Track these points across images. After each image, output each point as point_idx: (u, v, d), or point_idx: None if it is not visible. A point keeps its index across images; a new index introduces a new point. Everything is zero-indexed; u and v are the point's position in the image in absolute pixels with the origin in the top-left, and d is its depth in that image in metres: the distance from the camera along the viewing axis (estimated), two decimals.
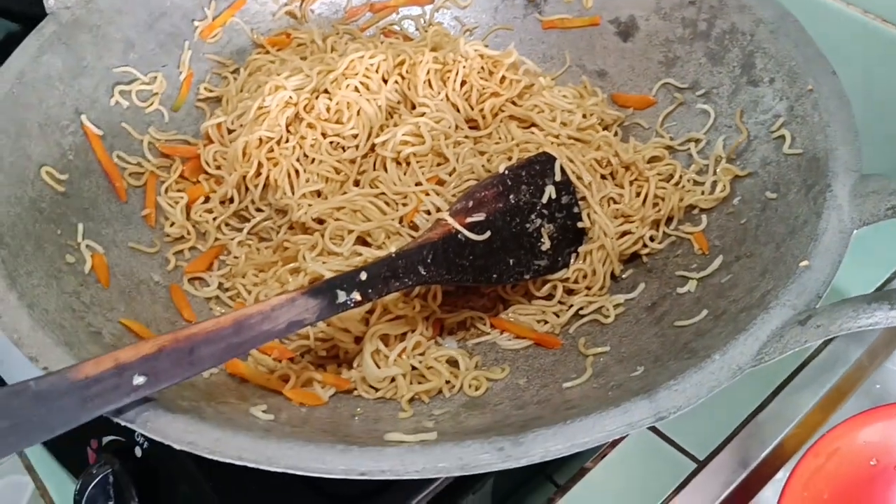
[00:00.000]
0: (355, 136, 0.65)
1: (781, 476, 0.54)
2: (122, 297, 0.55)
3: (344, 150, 0.65)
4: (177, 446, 0.40)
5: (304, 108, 0.65)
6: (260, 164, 0.64)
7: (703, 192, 0.61)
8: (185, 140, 0.69)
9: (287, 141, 0.64)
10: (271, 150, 0.64)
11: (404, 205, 0.61)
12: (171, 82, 0.70)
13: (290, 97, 0.64)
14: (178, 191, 0.65)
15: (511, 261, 0.57)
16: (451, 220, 0.55)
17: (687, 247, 0.59)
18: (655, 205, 0.62)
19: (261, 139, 0.64)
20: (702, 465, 0.55)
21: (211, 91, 0.71)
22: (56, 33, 0.64)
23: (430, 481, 0.55)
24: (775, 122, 0.59)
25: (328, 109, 0.65)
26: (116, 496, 0.61)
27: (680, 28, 0.69)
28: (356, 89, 0.66)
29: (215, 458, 0.40)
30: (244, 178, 0.64)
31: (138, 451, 0.62)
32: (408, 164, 0.63)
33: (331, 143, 0.65)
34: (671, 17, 0.70)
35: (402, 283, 0.51)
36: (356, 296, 0.49)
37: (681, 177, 0.63)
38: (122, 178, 0.63)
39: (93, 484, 0.60)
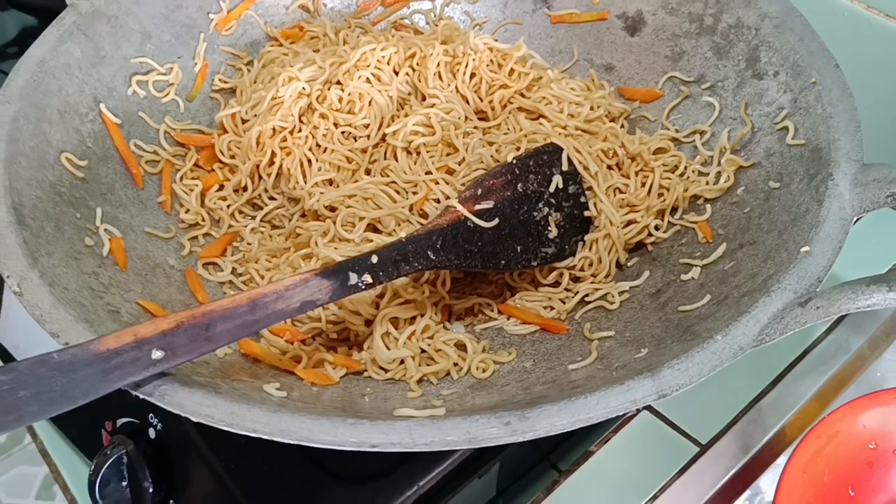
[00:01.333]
0: (367, 126, 0.66)
1: (781, 461, 0.55)
2: (139, 280, 0.56)
3: (355, 140, 0.66)
4: (194, 418, 0.42)
5: (317, 98, 0.66)
6: (273, 154, 0.65)
7: (707, 183, 0.63)
8: (200, 130, 0.70)
9: (300, 131, 0.66)
10: (284, 140, 0.65)
11: (414, 193, 0.62)
12: (187, 73, 0.71)
13: (304, 88, 0.66)
14: (193, 179, 0.66)
15: (519, 248, 0.58)
16: (459, 207, 0.57)
17: (691, 236, 0.61)
18: (660, 195, 0.63)
19: (274, 129, 0.65)
20: (704, 448, 0.56)
21: (225, 82, 0.73)
22: (76, 23, 0.65)
23: (436, 464, 0.56)
24: (779, 114, 0.60)
25: (340, 100, 0.66)
26: (130, 477, 0.63)
27: (686, 23, 0.70)
28: (368, 81, 0.67)
29: (232, 430, 0.41)
30: (258, 166, 0.65)
31: (152, 433, 0.63)
32: (418, 153, 0.64)
33: (343, 132, 0.66)
34: (678, 12, 0.71)
35: (412, 266, 0.53)
36: (367, 278, 0.50)
37: (686, 168, 0.65)
38: (139, 165, 0.64)
39: (107, 465, 0.62)
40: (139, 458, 0.62)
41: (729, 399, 0.59)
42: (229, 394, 0.44)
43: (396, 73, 0.69)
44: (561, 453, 0.69)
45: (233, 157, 0.67)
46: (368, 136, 0.66)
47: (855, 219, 0.50)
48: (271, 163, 0.65)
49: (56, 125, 0.60)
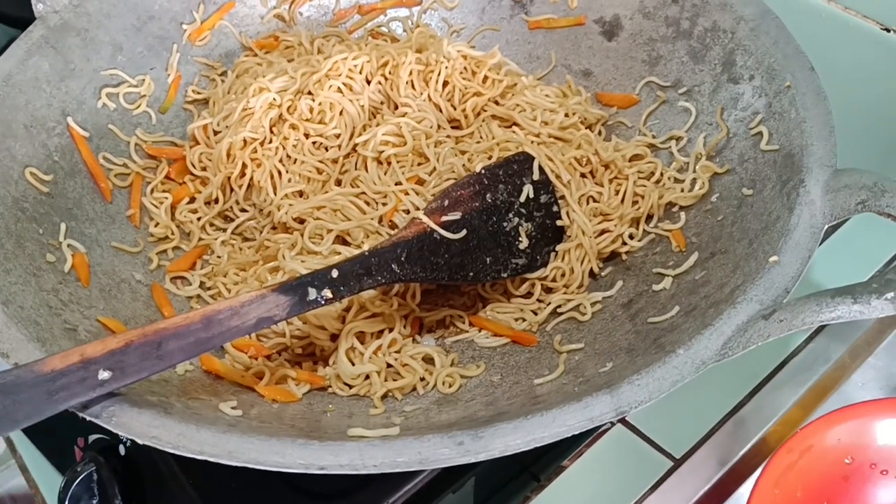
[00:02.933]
0: (337, 136, 0.65)
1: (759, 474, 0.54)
2: (102, 296, 0.55)
3: (326, 150, 0.65)
4: (140, 440, 0.41)
5: (287, 109, 0.65)
6: (244, 165, 0.64)
7: (682, 190, 0.61)
8: (173, 142, 0.69)
9: (270, 142, 0.65)
10: (255, 151, 0.64)
11: (384, 204, 0.61)
12: (160, 85, 0.71)
13: (274, 99, 0.65)
14: (164, 191, 0.66)
15: (488, 259, 0.57)
16: (425, 219, 0.56)
17: (665, 244, 0.59)
18: (635, 202, 0.62)
19: (245, 140, 0.64)
20: (679, 462, 0.55)
21: (199, 93, 0.72)
22: (44, 37, 0.65)
23: (409, 479, 0.55)
24: (754, 119, 0.59)
25: (311, 110, 0.65)
26: (100, 494, 0.62)
27: (663, 27, 0.69)
28: (339, 90, 0.66)
29: (178, 452, 0.41)
30: (229, 178, 0.65)
31: (122, 450, 0.62)
32: (389, 164, 0.63)
33: (313, 143, 0.65)
34: (654, 16, 0.70)
35: (375, 280, 0.52)
36: (327, 293, 0.49)
37: (661, 174, 0.63)
38: (108, 178, 0.64)
39: (77, 481, 0.61)
40: (109, 475, 0.61)
41: (705, 411, 0.57)
42: (180, 414, 0.43)
43: (368, 82, 0.68)
44: (543, 465, 0.67)
45: (204, 168, 0.67)
46: (339, 147, 0.65)
47: (826, 226, 0.49)
48: (242, 174, 0.65)
49: (21, 140, 0.60)
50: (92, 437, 0.65)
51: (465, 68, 0.68)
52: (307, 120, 0.65)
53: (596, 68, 0.73)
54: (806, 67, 0.58)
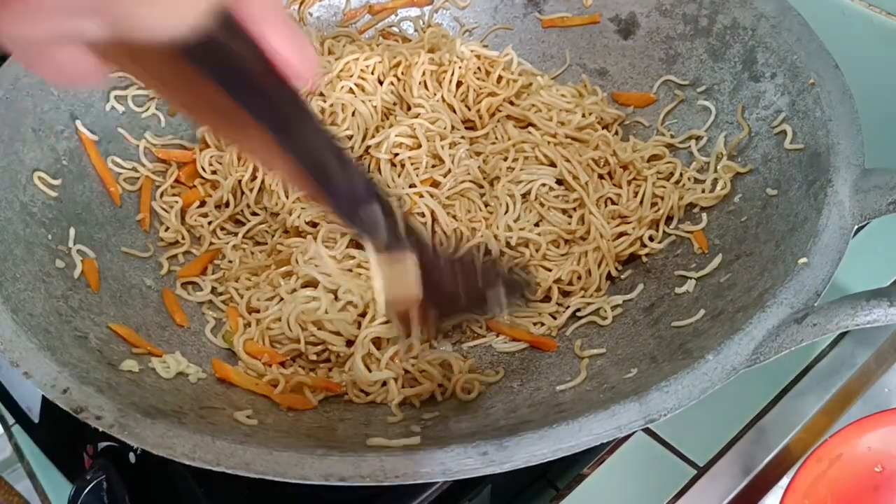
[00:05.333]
0: (350, 138, 0.64)
1: (785, 482, 0.52)
2: (113, 302, 0.54)
3: None
4: (155, 452, 0.40)
5: None
6: (255, 168, 0.63)
7: (703, 190, 0.60)
8: (182, 144, 0.68)
9: None
10: None
11: (398, 207, 0.60)
12: None
13: None
14: (174, 195, 0.65)
15: None
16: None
17: (687, 246, 0.58)
18: (654, 204, 0.61)
19: None
20: (702, 471, 0.54)
21: None
22: None
23: (426, 488, 0.54)
24: (777, 118, 0.58)
25: (322, 111, 0.64)
26: (111, 502, 0.61)
27: (681, 25, 0.68)
28: (351, 91, 0.65)
29: (194, 464, 0.39)
30: (239, 182, 0.64)
31: (132, 457, 0.61)
32: (402, 166, 0.62)
33: None
34: (672, 13, 0.68)
35: None
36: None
37: (681, 175, 0.62)
38: (117, 182, 0.63)
39: (87, 490, 0.60)
40: (119, 483, 0.60)
41: (728, 418, 0.56)
42: (195, 423, 0.42)
43: (381, 83, 0.67)
44: (559, 472, 0.66)
45: (214, 172, 0.66)
46: (352, 148, 0.64)
47: (856, 227, 0.48)
48: (253, 177, 0.63)
49: (30, 144, 0.59)
50: (102, 445, 0.64)
51: (478, 68, 0.67)
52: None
53: (612, 67, 0.72)
54: (830, 65, 0.57)
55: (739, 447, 0.55)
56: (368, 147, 0.63)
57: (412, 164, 0.62)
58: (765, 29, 0.61)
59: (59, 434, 0.70)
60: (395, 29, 0.77)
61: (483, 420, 0.48)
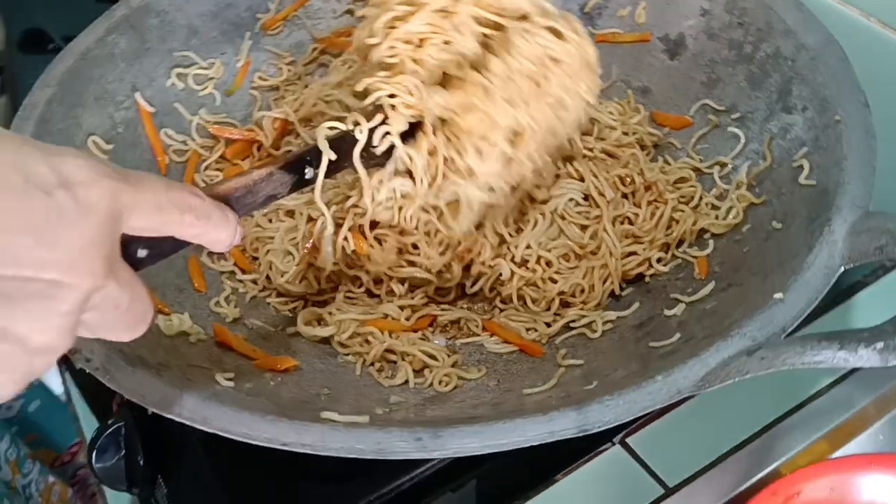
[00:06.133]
0: None
1: None
2: None
3: None
4: (127, 396, 0.44)
5: None
6: None
7: (717, 217, 0.60)
8: (233, 124, 0.73)
9: None
10: None
11: None
12: (229, 69, 0.74)
13: None
14: (217, 170, 0.69)
15: None
16: None
17: (689, 270, 0.58)
18: (669, 227, 0.61)
19: None
20: (670, 492, 0.53)
21: (265, 80, 0.76)
22: (125, 16, 0.69)
23: (409, 470, 0.56)
24: (798, 152, 0.57)
25: None
26: (126, 448, 0.66)
27: (726, 49, 0.67)
28: None
29: (158, 412, 0.43)
30: None
31: (150, 411, 0.66)
32: None
33: None
34: (719, 37, 0.68)
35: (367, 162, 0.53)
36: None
37: (700, 199, 0.62)
38: (166, 153, 0.68)
39: (106, 433, 0.65)
40: (134, 432, 0.65)
41: (709, 444, 0.56)
42: (172, 378, 0.46)
43: None
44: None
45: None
46: None
47: (843, 269, 0.47)
48: None
49: (90, 110, 0.65)
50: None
51: None
52: None
53: (655, 86, 0.72)
54: (860, 103, 0.56)
55: (713, 474, 0.54)
56: None
57: None
58: (804, 61, 0.61)
59: (98, 381, 0.76)
60: None
61: (448, 412, 0.50)
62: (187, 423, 0.43)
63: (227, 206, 0.43)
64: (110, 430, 0.65)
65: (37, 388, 0.81)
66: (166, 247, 0.40)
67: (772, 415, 0.57)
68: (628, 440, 0.58)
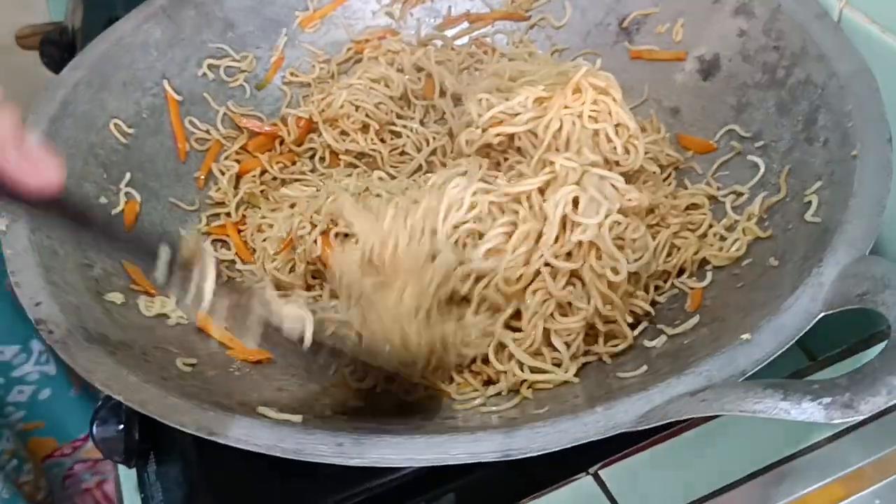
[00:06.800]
0: None
1: None
2: None
3: None
4: (78, 371, 0.45)
5: None
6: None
7: (721, 249, 0.57)
8: (260, 117, 0.74)
9: None
10: None
11: None
12: (261, 63, 0.76)
13: None
14: (236, 160, 0.71)
15: None
16: None
17: (683, 301, 0.55)
18: (669, 253, 0.58)
19: None
20: None
21: (296, 76, 0.77)
22: (163, 6, 0.72)
23: (384, 474, 0.55)
24: (812, 186, 0.53)
25: None
26: (126, 421, 0.68)
27: (759, 73, 0.64)
28: None
29: (104, 390, 0.44)
30: None
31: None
32: None
33: None
34: (753, 60, 0.64)
35: None
36: None
37: (709, 227, 0.59)
38: (188, 141, 0.69)
39: (108, 405, 0.68)
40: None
41: (685, 487, 0.53)
42: (127, 358, 0.47)
43: None
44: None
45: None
46: None
47: (822, 315, 0.43)
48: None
49: (116, 94, 0.67)
50: None
51: None
52: None
53: (685, 107, 0.69)
54: (882, 138, 0.52)
55: None
56: None
57: None
58: (833, 89, 0.57)
59: None
60: (489, 40, 0.79)
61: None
62: (126, 404, 0.43)
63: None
64: (112, 402, 0.68)
65: (51, 378, 0.84)
66: None
67: (759, 463, 0.53)
68: (601, 472, 0.55)
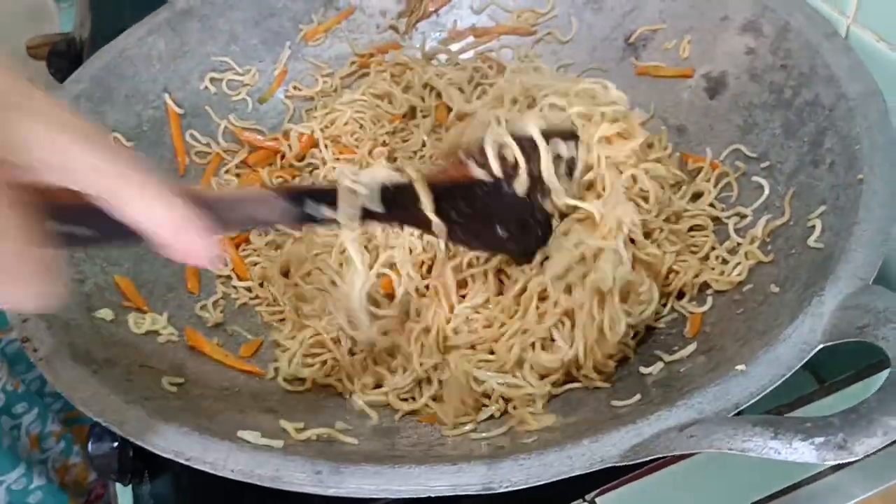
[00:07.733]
0: None
1: None
2: (133, 257, 0.60)
3: None
4: (59, 391, 0.45)
5: None
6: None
7: (722, 273, 0.55)
8: (261, 131, 0.74)
9: None
10: None
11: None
12: (264, 77, 0.76)
13: None
14: (236, 175, 0.70)
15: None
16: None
17: (683, 326, 0.54)
18: (667, 277, 0.57)
19: None
20: None
21: (299, 90, 0.76)
22: (167, 19, 0.72)
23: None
24: (816, 210, 0.52)
25: None
26: (122, 439, 0.67)
27: (766, 92, 0.62)
28: None
29: (85, 411, 0.43)
30: None
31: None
32: None
33: None
34: (761, 79, 0.63)
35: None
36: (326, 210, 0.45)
37: (712, 249, 0.58)
38: (188, 154, 0.69)
39: None
40: None
41: None
42: (111, 377, 0.46)
43: None
44: None
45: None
46: None
47: (820, 347, 0.42)
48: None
49: (118, 107, 0.67)
50: None
51: None
52: None
53: (692, 126, 0.68)
54: (890, 162, 0.50)
55: None
56: None
57: None
58: (841, 111, 0.55)
59: None
60: (494, 55, 0.78)
61: (385, 447, 0.48)
62: (105, 425, 0.43)
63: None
64: None
65: None
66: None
67: (758, 494, 0.52)
68: (598, 500, 0.54)
